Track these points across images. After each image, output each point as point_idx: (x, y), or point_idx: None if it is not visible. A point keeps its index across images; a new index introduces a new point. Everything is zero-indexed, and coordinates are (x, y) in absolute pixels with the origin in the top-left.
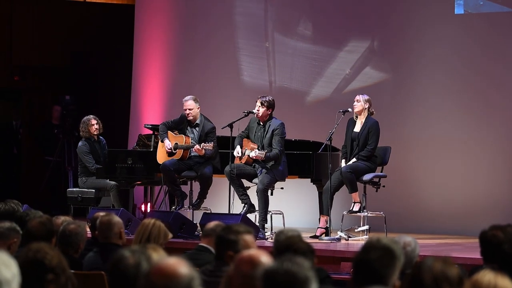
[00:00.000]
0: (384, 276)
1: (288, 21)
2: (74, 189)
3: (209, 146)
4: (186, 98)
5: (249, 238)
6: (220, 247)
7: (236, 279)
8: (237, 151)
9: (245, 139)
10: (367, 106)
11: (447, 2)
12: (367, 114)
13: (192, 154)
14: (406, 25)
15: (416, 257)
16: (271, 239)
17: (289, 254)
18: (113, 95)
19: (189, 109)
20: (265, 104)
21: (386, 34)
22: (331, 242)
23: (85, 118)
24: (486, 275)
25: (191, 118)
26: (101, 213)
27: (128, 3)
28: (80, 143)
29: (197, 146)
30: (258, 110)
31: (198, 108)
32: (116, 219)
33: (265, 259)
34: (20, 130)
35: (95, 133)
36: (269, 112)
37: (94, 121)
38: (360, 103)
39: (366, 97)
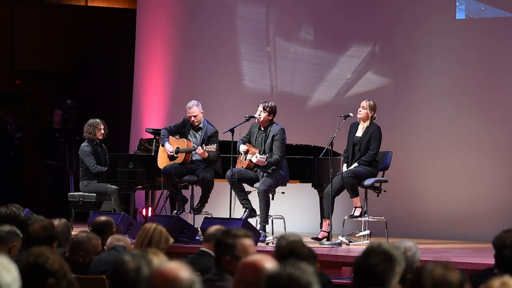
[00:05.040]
0: (384, 280)
1: (289, 26)
2: (75, 193)
3: (211, 148)
4: (189, 104)
5: (247, 242)
6: (219, 251)
7: (239, 285)
8: (243, 149)
9: (246, 144)
10: (372, 113)
11: (448, 7)
12: (370, 120)
13: (193, 158)
14: (408, 30)
15: (417, 262)
16: (272, 243)
17: (292, 259)
18: (114, 99)
19: (194, 116)
20: (267, 109)
21: (387, 39)
22: (332, 246)
23: (93, 120)
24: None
25: (196, 123)
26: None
27: (130, 8)
28: (83, 144)
29: (199, 149)
30: (259, 115)
31: (201, 113)
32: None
33: (269, 264)
34: (15, 135)
35: (100, 137)
36: (270, 118)
37: (102, 126)
38: (366, 110)
39: (372, 103)
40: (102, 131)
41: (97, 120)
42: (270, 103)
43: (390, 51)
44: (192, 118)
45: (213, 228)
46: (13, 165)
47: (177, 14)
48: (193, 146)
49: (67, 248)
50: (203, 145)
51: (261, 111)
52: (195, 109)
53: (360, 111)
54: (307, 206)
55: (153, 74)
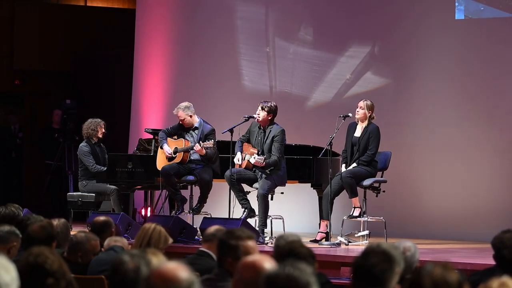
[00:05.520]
0: (384, 281)
1: (289, 26)
2: (74, 193)
3: (209, 144)
4: (175, 111)
5: (250, 244)
6: (221, 252)
7: (239, 285)
8: (238, 158)
9: (245, 144)
10: (370, 113)
11: (447, 8)
12: (368, 120)
13: (192, 157)
14: (407, 30)
15: (416, 262)
16: (271, 243)
17: (291, 259)
18: (114, 99)
19: (181, 120)
20: (266, 109)
21: (387, 39)
22: (331, 247)
23: (95, 119)
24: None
25: (188, 125)
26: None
27: (129, 8)
28: (81, 144)
29: (197, 146)
30: (258, 114)
31: (189, 116)
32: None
33: (269, 265)
34: (18, 135)
35: (100, 136)
36: (270, 118)
37: (103, 125)
38: (363, 110)
39: (370, 103)
40: (104, 130)
41: (98, 119)
42: (269, 103)
43: (390, 51)
44: (181, 122)
45: (212, 228)
46: (14, 165)
47: (177, 14)
48: (190, 145)
49: (66, 248)
50: (201, 141)
51: (260, 110)
52: (180, 114)
53: (358, 111)
54: (306, 206)
55: (153, 74)
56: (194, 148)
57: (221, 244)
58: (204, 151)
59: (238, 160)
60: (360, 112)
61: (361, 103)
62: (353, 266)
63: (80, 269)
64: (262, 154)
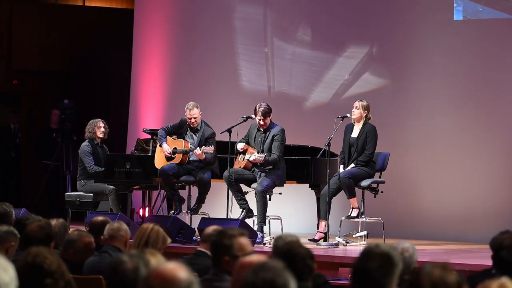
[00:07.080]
0: (384, 283)
1: (287, 26)
2: (72, 193)
3: (209, 149)
4: (190, 106)
5: (243, 240)
6: (216, 252)
7: (237, 286)
8: (241, 146)
9: (245, 145)
10: (366, 113)
11: (446, 8)
12: (364, 120)
13: (191, 158)
14: (405, 31)
15: (414, 263)
16: (270, 244)
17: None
18: (112, 99)
19: (194, 118)
20: (266, 114)
21: (385, 40)
22: (329, 247)
23: (93, 120)
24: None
25: (195, 125)
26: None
27: (127, 8)
28: (83, 143)
29: (197, 150)
30: (261, 122)
31: (200, 114)
32: (124, 226)
33: None
34: (18, 134)
35: (101, 136)
36: (270, 118)
37: (102, 124)
38: (359, 110)
39: (365, 103)
40: (102, 129)
41: (97, 119)
42: (263, 107)
43: (388, 52)
44: (192, 120)
45: (211, 229)
46: (13, 165)
47: (175, 14)
48: (190, 147)
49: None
50: (203, 146)
51: (261, 119)
52: (196, 111)
53: (353, 111)
54: (304, 207)
55: (151, 74)
56: (194, 152)
57: (215, 245)
58: (203, 156)
59: (242, 147)
60: (356, 112)
61: (357, 103)
62: (353, 268)
63: (77, 268)
64: (262, 153)
